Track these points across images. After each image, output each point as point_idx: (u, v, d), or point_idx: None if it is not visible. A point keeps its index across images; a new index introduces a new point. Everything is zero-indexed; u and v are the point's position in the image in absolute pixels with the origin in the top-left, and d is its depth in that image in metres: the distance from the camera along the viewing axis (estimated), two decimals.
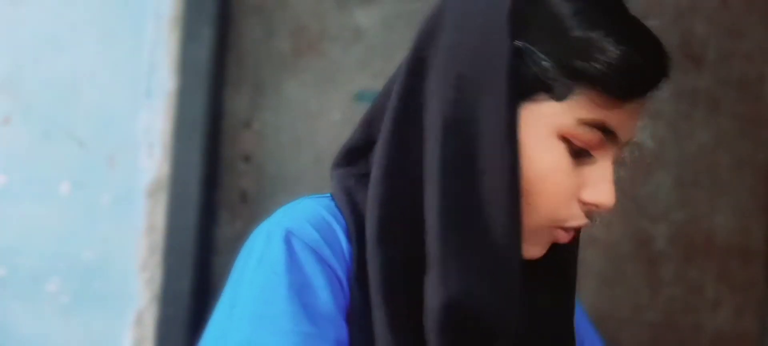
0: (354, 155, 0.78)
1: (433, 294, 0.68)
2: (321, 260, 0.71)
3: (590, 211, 0.73)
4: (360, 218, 0.74)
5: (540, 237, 0.74)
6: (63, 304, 1.58)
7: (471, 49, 0.71)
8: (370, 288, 0.71)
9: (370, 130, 0.78)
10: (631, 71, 0.68)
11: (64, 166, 1.58)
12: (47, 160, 1.58)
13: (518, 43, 0.70)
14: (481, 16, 0.71)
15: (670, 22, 1.54)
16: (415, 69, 0.74)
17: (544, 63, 0.69)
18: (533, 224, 0.72)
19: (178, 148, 1.58)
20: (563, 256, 0.79)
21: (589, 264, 1.60)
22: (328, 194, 0.78)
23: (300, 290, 0.70)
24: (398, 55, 0.79)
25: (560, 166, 0.71)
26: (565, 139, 0.71)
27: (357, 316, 0.71)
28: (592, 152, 0.71)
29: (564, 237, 0.74)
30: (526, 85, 0.70)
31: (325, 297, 0.70)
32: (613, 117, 0.70)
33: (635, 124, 0.73)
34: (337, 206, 0.76)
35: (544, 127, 0.70)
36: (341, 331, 0.71)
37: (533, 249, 0.74)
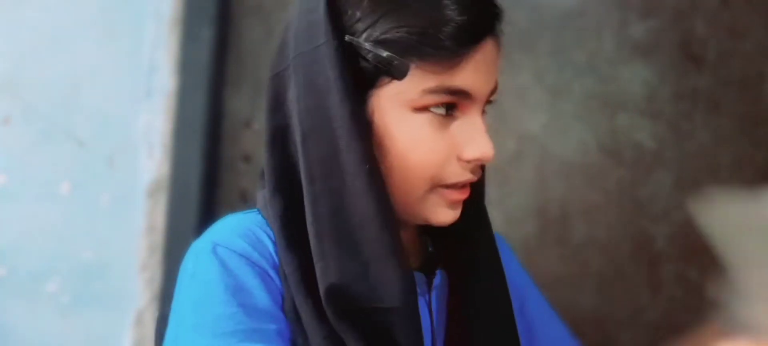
0: (262, 175, 0.83)
1: (320, 285, 0.75)
2: (250, 263, 0.76)
3: (474, 167, 0.78)
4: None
5: (435, 203, 0.78)
6: (63, 304, 1.58)
7: (309, 56, 0.76)
8: (291, 287, 0.76)
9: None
10: (440, 29, 0.73)
11: (64, 166, 1.58)
12: (47, 161, 1.58)
13: (349, 38, 0.74)
14: (306, 22, 0.76)
15: (670, 22, 1.54)
16: (278, 86, 0.79)
17: (374, 51, 0.73)
18: (420, 191, 0.77)
19: (178, 149, 1.58)
20: (473, 212, 0.85)
21: (588, 264, 1.60)
22: (256, 209, 0.83)
23: (235, 292, 0.74)
24: None
25: (423, 134, 0.75)
26: (420, 110, 0.75)
27: (290, 309, 0.76)
28: (455, 113, 0.76)
29: (456, 195, 0.79)
30: (369, 75, 0.75)
31: (260, 295, 0.75)
32: (455, 77, 0.74)
33: (488, 74, 0.77)
34: (263, 217, 0.82)
35: (397, 106, 0.75)
36: (281, 323, 0.75)
37: (440, 214, 0.79)
